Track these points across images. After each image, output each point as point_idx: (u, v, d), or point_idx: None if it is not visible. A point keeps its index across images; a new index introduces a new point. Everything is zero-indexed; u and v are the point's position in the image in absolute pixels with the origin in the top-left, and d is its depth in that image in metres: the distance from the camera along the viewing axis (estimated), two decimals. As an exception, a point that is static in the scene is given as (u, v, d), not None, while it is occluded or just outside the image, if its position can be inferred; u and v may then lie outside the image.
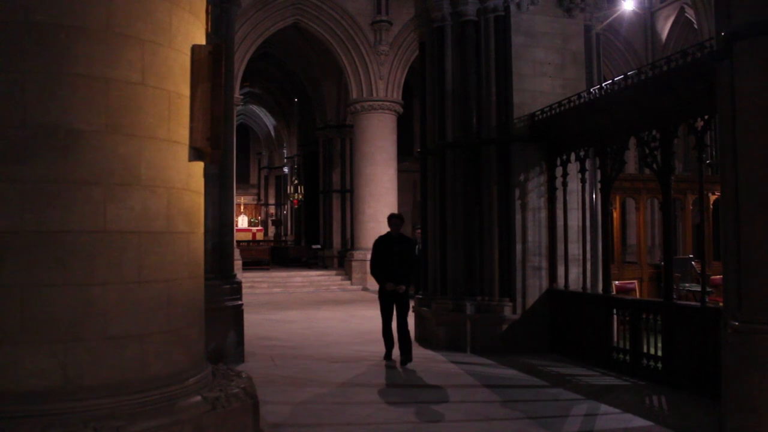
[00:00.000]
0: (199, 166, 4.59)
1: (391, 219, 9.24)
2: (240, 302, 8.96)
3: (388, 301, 8.89)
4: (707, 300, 6.97)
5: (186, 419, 3.92)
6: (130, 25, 4.01)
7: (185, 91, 4.38)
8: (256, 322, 12.15)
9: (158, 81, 4.15)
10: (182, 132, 4.34)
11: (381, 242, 9.12)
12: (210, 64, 4.47)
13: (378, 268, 9.02)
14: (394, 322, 8.89)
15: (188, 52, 4.43)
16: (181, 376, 4.17)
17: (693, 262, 12.03)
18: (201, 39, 4.65)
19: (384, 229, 23.01)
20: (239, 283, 9.13)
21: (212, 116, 4.44)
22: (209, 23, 4.98)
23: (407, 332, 8.77)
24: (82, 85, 3.80)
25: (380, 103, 21.43)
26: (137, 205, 3.99)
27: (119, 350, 3.89)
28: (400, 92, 22.01)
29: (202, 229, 4.68)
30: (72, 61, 3.80)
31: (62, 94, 3.75)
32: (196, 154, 4.45)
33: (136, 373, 3.94)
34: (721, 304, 5.99)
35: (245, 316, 9.11)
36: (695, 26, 19.04)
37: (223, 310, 8.46)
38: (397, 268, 8.80)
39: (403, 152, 24.71)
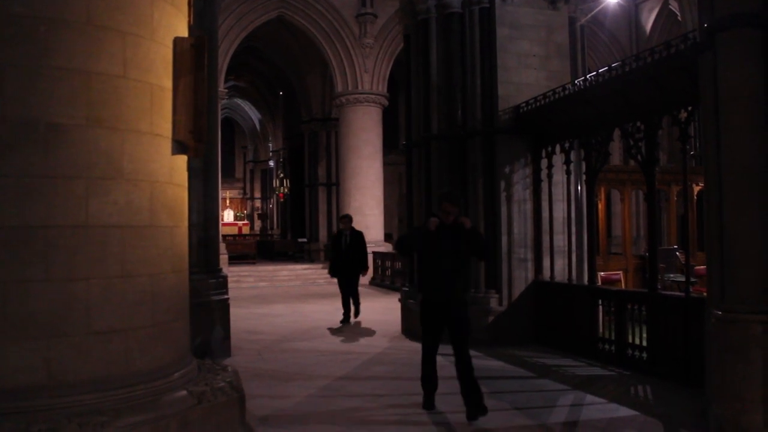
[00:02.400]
0: (182, 160, 4.56)
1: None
2: (226, 296, 8.92)
3: (435, 323, 6.00)
4: (691, 290, 7.02)
5: (171, 414, 3.90)
6: (111, 17, 3.97)
7: (168, 83, 4.35)
8: (242, 316, 12.12)
9: (140, 74, 4.12)
10: (165, 125, 4.31)
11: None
12: (192, 56, 4.43)
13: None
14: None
15: (170, 45, 4.39)
16: (166, 370, 4.15)
17: (677, 253, 12.12)
18: (183, 31, 4.61)
19: (370, 222, 22.93)
20: (225, 277, 9.10)
21: (195, 109, 4.41)
22: (192, 16, 4.94)
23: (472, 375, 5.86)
24: (62, 79, 3.76)
25: (365, 96, 21.40)
26: (120, 199, 3.96)
27: (103, 345, 3.86)
28: (386, 85, 21.99)
29: (186, 223, 4.65)
30: (52, 53, 3.76)
31: (42, 88, 3.71)
32: (179, 147, 4.42)
33: (121, 368, 3.92)
34: (704, 294, 6.04)
35: (231, 310, 9.08)
36: (679, 18, 19.09)
37: (209, 305, 8.42)
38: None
39: (389, 145, 24.69)
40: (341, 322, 11.66)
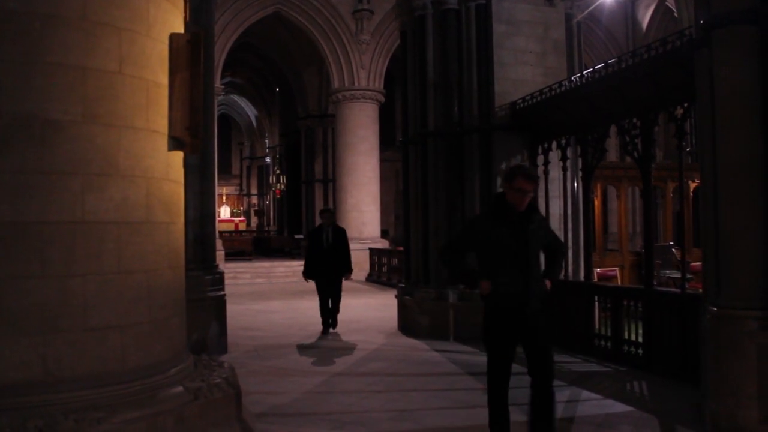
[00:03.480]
0: (178, 156, 4.56)
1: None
2: (222, 293, 8.92)
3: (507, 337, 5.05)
4: (687, 286, 7.04)
5: (167, 410, 3.91)
6: (107, 12, 3.97)
7: (164, 80, 4.34)
8: (238, 313, 12.12)
9: (136, 70, 4.11)
10: (161, 121, 4.30)
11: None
12: (188, 52, 4.43)
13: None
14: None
15: (166, 41, 4.39)
16: (162, 366, 4.15)
17: (673, 249, 12.13)
18: (179, 27, 4.61)
19: (366, 218, 22.81)
20: (221, 274, 9.10)
21: (191, 105, 4.41)
22: (188, 11, 4.93)
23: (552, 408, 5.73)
24: (58, 74, 3.76)
25: (362, 92, 21.40)
26: (116, 195, 3.96)
27: (99, 342, 3.86)
28: (382, 81, 21.98)
29: (182, 219, 4.65)
30: (47, 49, 3.75)
31: (38, 84, 3.71)
32: (175, 143, 4.41)
33: (117, 365, 3.92)
34: (700, 290, 6.05)
35: (228, 306, 9.07)
36: (675, 15, 19.12)
37: (205, 301, 8.42)
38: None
39: (386, 141, 24.68)
40: (322, 333, 10.27)
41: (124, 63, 4.03)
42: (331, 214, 10.81)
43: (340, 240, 10.36)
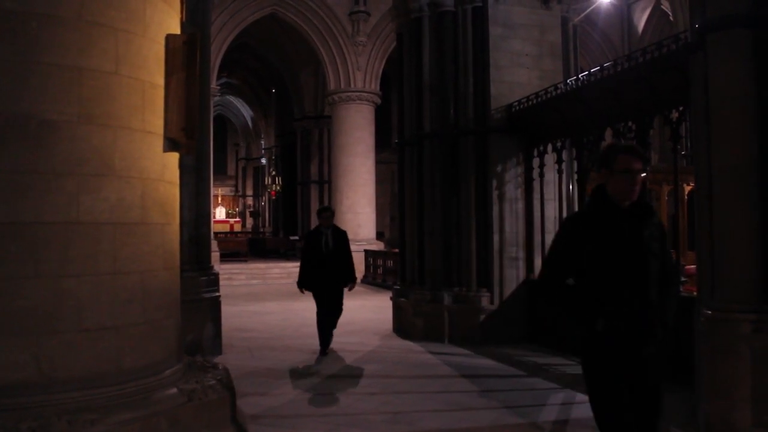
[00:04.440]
0: (174, 157, 4.55)
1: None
2: (217, 294, 8.91)
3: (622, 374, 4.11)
4: (682, 289, 7.05)
5: (161, 411, 3.89)
6: (103, 13, 3.96)
7: (160, 81, 4.33)
8: (233, 314, 12.10)
9: (132, 70, 4.10)
10: (157, 122, 4.29)
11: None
12: (185, 53, 4.42)
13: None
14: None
15: (163, 42, 4.38)
16: (156, 368, 4.14)
17: (668, 252, 12.15)
18: (176, 28, 4.60)
19: (362, 220, 22.66)
20: (216, 275, 9.09)
21: (187, 106, 4.40)
22: (184, 12, 4.93)
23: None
24: (54, 75, 3.74)
25: (358, 93, 21.41)
26: (111, 196, 3.95)
27: (94, 343, 3.85)
28: (378, 83, 21.99)
29: (177, 220, 4.64)
30: (44, 49, 3.74)
31: (34, 84, 3.69)
32: (170, 144, 4.40)
33: (111, 366, 3.91)
34: (695, 293, 6.06)
35: (223, 307, 9.06)
36: (671, 18, 19.20)
37: (200, 302, 8.40)
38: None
39: (381, 143, 24.71)
40: (320, 354, 8.71)
41: (120, 63, 4.02)
42: (331, 214, 9.04)
43: (341, 245, 8.85)
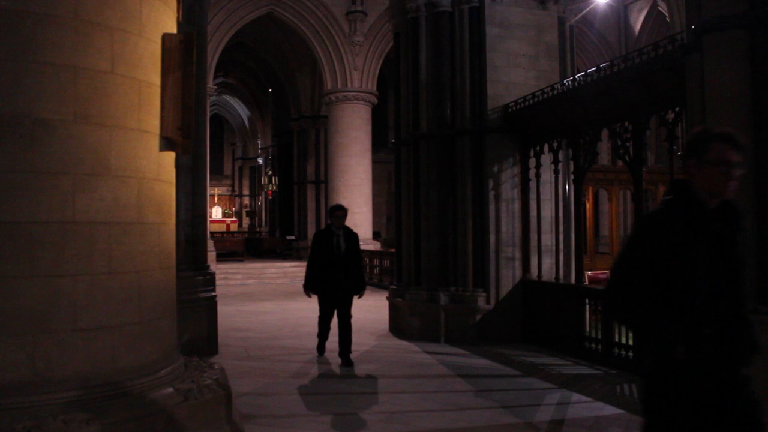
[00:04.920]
0: (170, 156, 4.55)
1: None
2: (214, 294, 8.90)
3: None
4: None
5: (157, 411, 3.89)
6: (99, 12, 3.96)
7: (156, 80, 4.33)
8: (230, 314, 12.09)
9: (128, 70, 4.10)
10: (153, 121, 4.29)
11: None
12: (181, 53, 4.42)
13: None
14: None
15: (159, 41, 4.38)
16: (152, 367, 4.14)
17: (664, 253, 12.16)
18: (172, 27, 4.60)
19: (358, 220, 22.48)
20: (213, 275, 9.08)
21: (183, 106, 4.40)
22: (181, 11, 4.93)
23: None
24: (49, 74, 3.74)
25: (355, 93, 21.39)
26: (107, 195, 3.95)
27: (89, 342, 3.85)
28: (375, 83, 21.98)
29: (173, 220, 4.64)
30: (39, 48, 3.73)
31: (29, 83, 3.69)
32: (167, 143, 4.40)
33: (107, 365, 3.90)
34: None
35: (219, 307, 9.05)
36: (667, 19, 19.21)
37: (196, 302, 8.39)
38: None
39: (378, 143, 24.71)
40: (318, 356, 8.46)
41: (116, 63, 4.02)
42: (345, 213, 8.12)
43: (353, 248, 8.06)
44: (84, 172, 3.85)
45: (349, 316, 8.06)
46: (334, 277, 7.88)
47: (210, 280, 8.90)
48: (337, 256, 7.89)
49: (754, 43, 4.65)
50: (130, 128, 4.10)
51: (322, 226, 24.19)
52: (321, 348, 8.53)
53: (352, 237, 8.12)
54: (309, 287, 8.19)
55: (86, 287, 3.84)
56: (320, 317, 8.33)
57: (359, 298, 8.18)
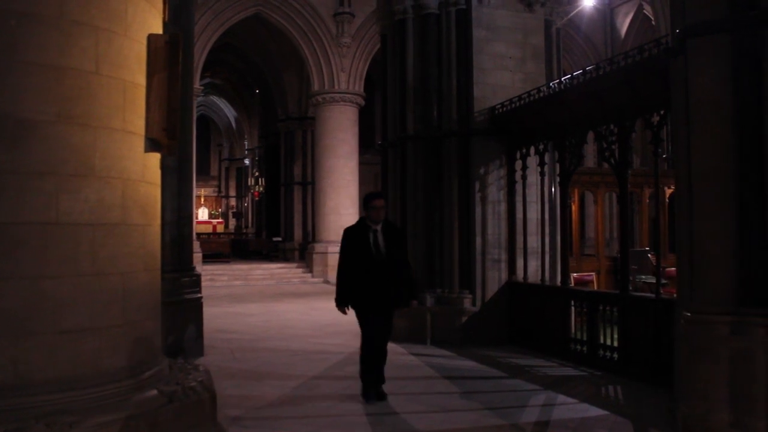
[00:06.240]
0: (155, 157, 4.53)
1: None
2: (199, 295, 8.86)
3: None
4: (662, 292, 7.10)
5: (141, 413, 3.87)
6: (84, 12, 3.94)
7: (141, 81, 4.32)
8: (215, 315, 12.05)
9: (113, 70, 4.08)
10: (138, 122, 4.28)
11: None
12: (167, 53, 4.41)
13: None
14: None
15: (144, 42, 4.37)
16: (136, 369, 4.12)
17: (649, 255, 12.25)
18: (158, 28, 4.58)
19: (345, 221, 22.34)
20: (198, 276, 9.04)
21: (169, 107, 4.38)
22: (167, 12, 4.92)
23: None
24: (33, 73, 3.72)
25: (342, 95, 21.37)
26: (91, 197, 3.93)
27: (73, 344, 3.82)
28: (362, 84, 21.97)
29: (158, 221, 4.62)
30: (22, 48, 3.71)
31: (12, 83, 3.67)
32: (152, 144, 4.39)
33: (90, 368, 3.88)
34: (675, 295, 6.11)
35: (205, 309, 9.01)
36: (653, 23, 19.36)
37: (182, 303, 8.36)
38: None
39: (365, 144, 24.69)
40: (363, 396, 6.33)
41: (101, 63, 4.00)
42: (384, 204, 6.42)
43: (397, 247, 6.39)
44: (68, 172, 3.83)
45: (388, 334, 6.44)
46: (373, 287, 6.19)
47: (196, 282, 8.86)
48: (375, 260, 6.21)
49: (737, 47, 4.68)
50: (115, 129, 4.08)
51: (309, 227, 24.16)
52: (369, 389, 6.33)
53: (395, 233, 6.48)
54: (343, 301, 6.36)
55: (70, 289, 3.82)
56: (363, 340, 6.37)
57: (408, 309, 6.72)
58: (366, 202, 6.42)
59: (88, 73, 3.94)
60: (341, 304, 6.39)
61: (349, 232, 6.50)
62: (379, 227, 6.29)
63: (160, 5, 4.68)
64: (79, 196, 3.88)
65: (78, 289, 3.87)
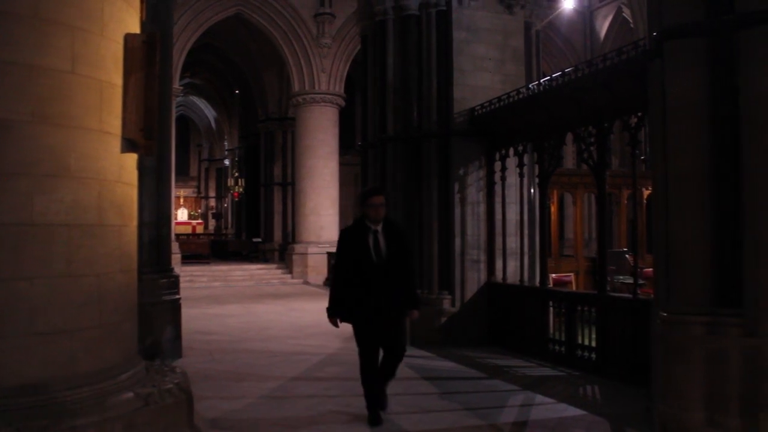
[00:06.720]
0: (132, 158, 4.49)
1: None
2: (178, 296, 8.80)
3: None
4: (639, 292, 7.16)
5: (117, 416, 3.84)
6: (60, 11, 3.89)
7: (118, 80, 4.28)
8: (194, 317, 11.98)
9: (89, 70, 4.04)
10: (115, 123, 4.23)
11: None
12: (144, 53, 4.36)
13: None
14: None
15: (121, 41, 4.32)
16: (112, 372, 4.07)
17: (627, 256, 12.35)
18: (135, 27, 4.54)
19: (325, 222, 22.15)
20: (177, 277, 8.98)
21: (146, 107, 4.34)
22: (144, 11, 4.87)
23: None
24: (7, 73, 3.67)
25: (322, 96, 21.35)
26: (67, 197, 3.88)
27: (47, 347, 3.77)
28: (343, 85, 21.97)
29: (135, 222, 4.58)
30: (-4, 47, 3.66)
31: (-15, 82, 3.62)
32: (128, 145, 4.34)
33: (65, 370, 3.83)
34: (652, 296, 6.17)
35: (184, 310, 8.96)
36: (632, 25, 19.50)
37: (160, 305, 8.30)
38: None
39: (345, 145, 24.68)
40: (369, 423, 5.58)
41: (76, 62, 3.96)
42: (384, 201, 5.72)
43: (399, 250, 5.68)
44: (42, 173, 3.78)
45: (401, 350, 5.73)
46: (373, 295, 5.50)
47: (174, 283, 8.80)
48: (375, 264, 5.54)
49: (712, 50, 4.73)
50: (91, 129, 4.03)
51: (289, 228, 24.08)
52: (373, 413, 5.63)
53: (397, 234, 5.74)
54: (335, 313, 5.70)
55: (44, 290, 3.77)
56: (362, 359, 5.66)
57: (413, 319, 6.05)
58: (363, 199, 5.75)
59: (64, 73, 3.89)
60: (333, 315, 5.71)
61: (346, 233, 5.87)
62: (379, 228, 5.63)
63: (137, 4, 4.64)
64: (54, 197, 3.83)
65: (53, 290, 3.82)
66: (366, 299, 5.50)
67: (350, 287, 5.58)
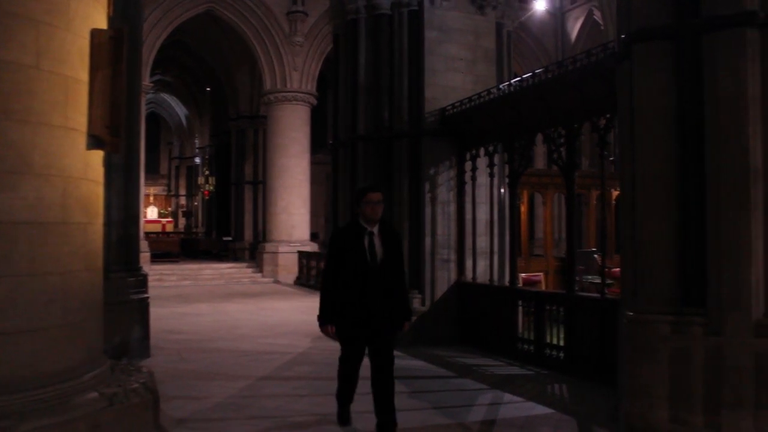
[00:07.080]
0: (98, 155, 4.43)
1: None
2: (146, 295, 8.72)
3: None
4: (607, 292, 7.24)
5: (81, 416, 3.79)
6: (24, 4, 3.83)
7: (84, 76, 4.22)
8: (163, 316, 11.86)
9: (54, 65, 3.98)
10: (80, 119, 4.18)
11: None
12: (111, 49, 4.31)
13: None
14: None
15: (88, 36, 4.27)
16: (76, 371, 4.02)
17: (595, 256, 12.47)
18: (102, 23, 4.49)
19: (296, 221, 22.05)
20: (145, 276, 8.89)
21: (112, 103, 4.29)
22: (111, 7, 4.81)
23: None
24: (-33, 67, 3.60)
25: (294, 94, 21.26)
26: (30, 195, 3.82)
27: (9, 346, 3.71)
28: (315, 84, 21.90)
29: (101, 220, 4.52)
30: (-43, 40, 3.59)
31: (-55, 76, 3.55)
32: (94, 142, 4.29)
33: (28, 370, 3.77)
34: (619, 295, 6.23)
35: (153, 309, 8.87)
36: (602, 28, 19.71)
37: (127, 304, 8.21)
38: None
39: (317, 144, 24.62)
40: (340, 420, 5.54)
41: (41, 57, 3.89)
42: (382, 200, 5.19)
43: (394, 254, 5.26)
44: (5, 169, 3.71)
45: (392, 360, 5.22)
46: (368, 299, 5.10)
47: (142, 282, 8.72)
48: (371, 268, 5.10)
49: (679, 53, 4.79)
50: (56, 125, 3.97)
51: (259, 227, 23.96)
52: (344, 414, 5.55)
53: (393, 236, 5.32)
54: (328, 320, 5.23)
55: (6, 289, 3.70)
56: (342, 362, 5.41)
57: (405, 329, 5.40)
58: (359, 196, 5.20)
59: (28, 68, 3.83)
60: (326, 323, 5.22)
61: (339, 234, 5.48)
62: (375, 229, 5.15)
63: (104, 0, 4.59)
64: (17, 194, 3.76)
65: (16, 289, 3.76)
66: (359, 305, 5.10)
67: (342, 292, 5.15)
